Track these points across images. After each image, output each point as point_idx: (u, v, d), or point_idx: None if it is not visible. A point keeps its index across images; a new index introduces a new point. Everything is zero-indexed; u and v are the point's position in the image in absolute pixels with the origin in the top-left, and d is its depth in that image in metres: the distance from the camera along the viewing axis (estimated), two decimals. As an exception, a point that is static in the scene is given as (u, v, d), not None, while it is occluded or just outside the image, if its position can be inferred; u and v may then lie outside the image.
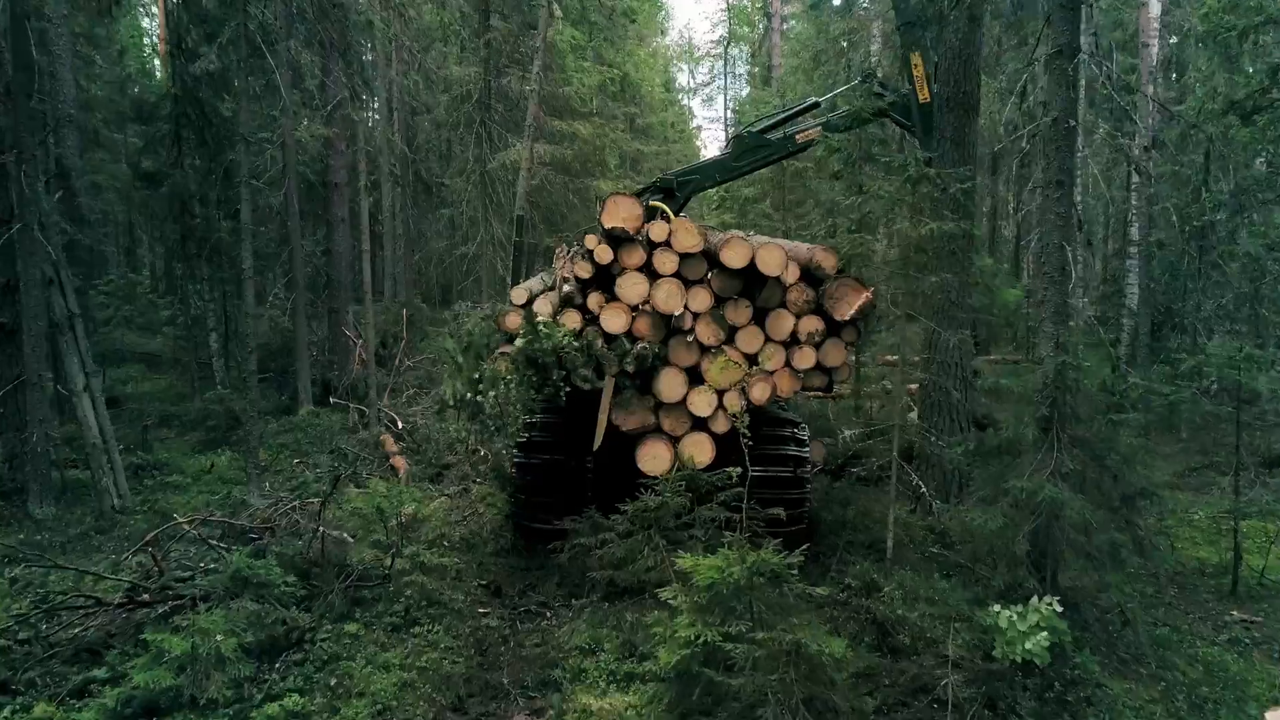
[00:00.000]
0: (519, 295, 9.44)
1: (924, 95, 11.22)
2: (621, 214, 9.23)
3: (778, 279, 9.19)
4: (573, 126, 20.78)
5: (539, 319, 8.91)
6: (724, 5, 55.15)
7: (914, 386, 13.97)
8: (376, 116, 34.81)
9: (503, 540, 10.87)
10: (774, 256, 8.91)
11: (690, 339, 9.35)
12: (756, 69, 47.43)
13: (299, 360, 18.91)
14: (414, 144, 32.89)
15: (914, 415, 12.68)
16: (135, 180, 20.04)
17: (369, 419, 17.16)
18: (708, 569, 6.35)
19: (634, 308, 9.33)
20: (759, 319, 9.47)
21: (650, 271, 9.35)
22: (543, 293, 10.30)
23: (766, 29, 43.01)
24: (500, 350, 9.31)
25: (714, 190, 27.90)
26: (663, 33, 60.62)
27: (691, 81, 67.73)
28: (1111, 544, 8.00)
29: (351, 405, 17.80)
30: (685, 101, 65.54)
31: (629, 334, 9.31)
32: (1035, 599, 7.35)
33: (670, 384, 9.37)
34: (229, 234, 19.77)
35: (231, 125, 18.42)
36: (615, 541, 8.34)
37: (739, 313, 9.38)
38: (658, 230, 9.32)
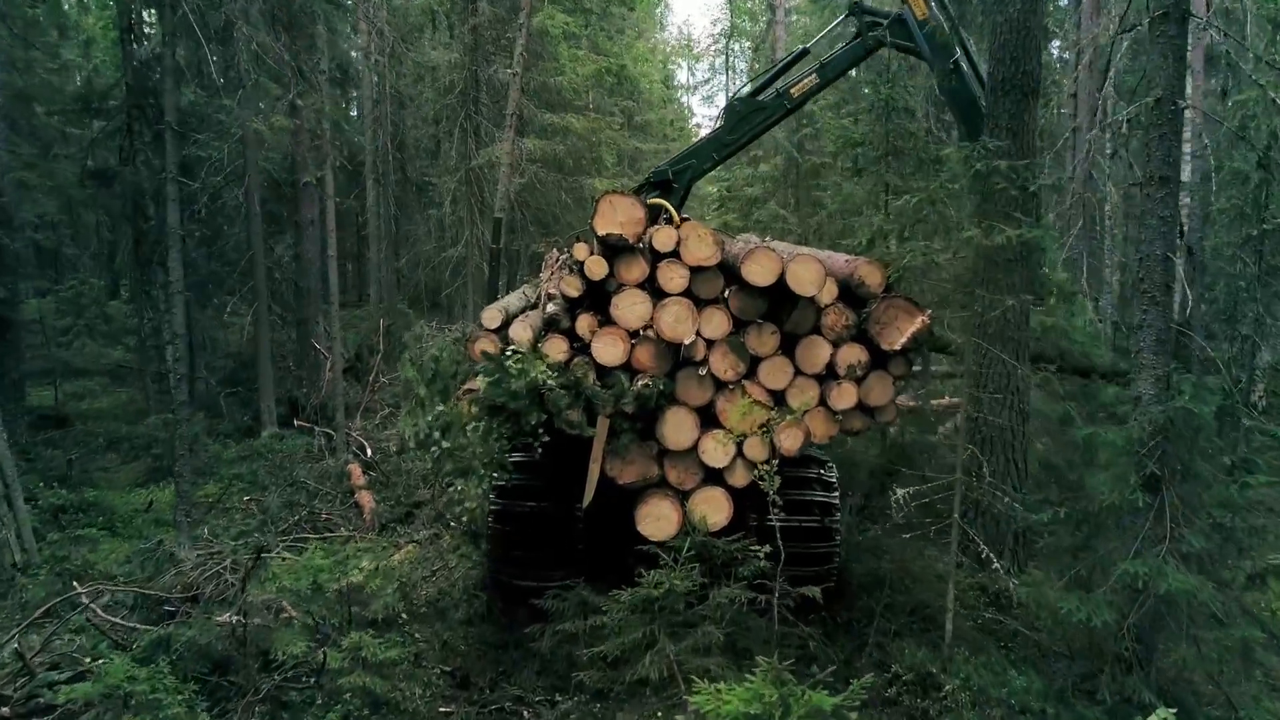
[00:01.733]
0: (491, 317, 7.65)
1: (920, 9, 10.19)
2: (619, 217, 7.45)
3: (811, 299, 7.41)
4: (565, 120, 18.99)
5: (512, 350, 7.12)
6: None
7: (944, 400, 12.28)
8: (356, 111, 33.26)
9: (476, 604, 9.08)
10: (809, 272, 7.12)
11: (703, 372, 7.57)
12: (758, 64, 45.68)
13: (261, 377, 17.11)
14: (400, 139, 31.09)
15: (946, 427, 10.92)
16: (84, 179, 18.24)
17: (336, 444, 15.39)
18: (731, 709, 4.58)
19: (634, 333, 7.55)
20: (787, 347, 7.69)
21: (654, 289, 7.57)
22: (523, 312, 8.52)
23: (770, 22, 41.20)
24: (466, 387, 7.53)
25: (714, 189, 26.13)
26: (661, 28, 58.88)
27: (691, 79, 65.98)
28: (1244, 643, 6.24)
29: (318, 429, 16.00)
30: (684, 99, 63.85)
31: (627, 366, 7.53)
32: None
33: (678, 427, 7.59)
34: (189, 236, 18.07)
35: (190, 118, 16.74)
36: (608, 635, 6.56)
37: (763, 340, 7.59)
38: (663, 237, 7.54)
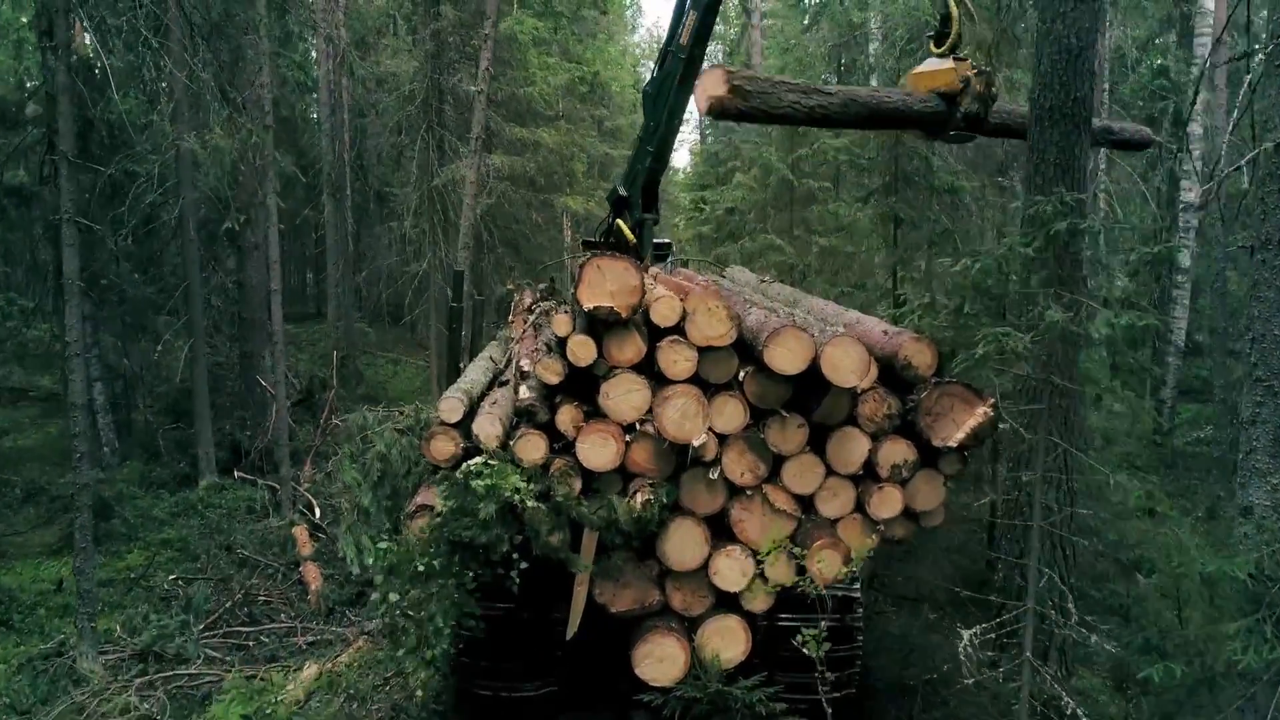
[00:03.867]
0: (451, 409, 6.13)
1: None
2: (609, 285, 5.97)
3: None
4: (535, 134, 17.48)
5: (476, 465, 5.63)
6: None
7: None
8: (316, 113, 31.37)
9: (437, 722, 7.64)
10: (849, 359, 5.70)
11: (714, 475, 6.12)
12: (732, 67, 44.21)
13: (199, 420, 15.39)
14: (360, 149, 29.32)
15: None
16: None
17: (281, 499, 13.77)
18: None
19: (628, 427, 6.09)
20: (816, 441, 6.27)
21: (653, 371, 6.12)
22: (490, 388, 7.04)
23: (745, 26, 39.94)
24: (419, 502, 6.02)
25: (685, 200, 24.77)
26: (631, 30, 57.41)
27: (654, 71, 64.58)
28: None
29: (261, 482, 14.34)
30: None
31: (620, 468, 6.07)
32: None
33: (684, 543, 6.14)
34: (121, 258, 16.36)
35: (119, 131, 15.03)
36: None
37: (788, 435, 6.16)
38: (665, 310, 6.08)
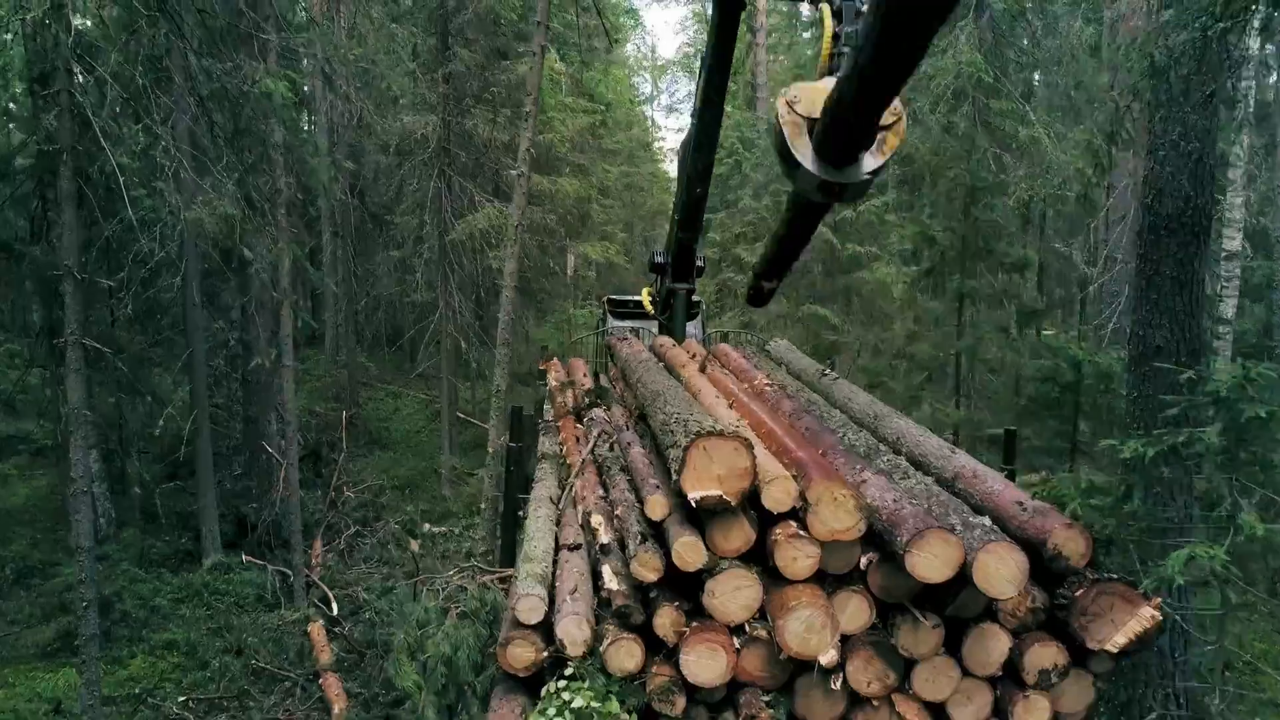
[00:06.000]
0: (530, 610, 5.27)
1: None
2: (716, 469, 5.15)
3: (993, 582, 5.18)
4: (557, 184, 16.62)
5: (566, 680, 4.80)
6: (692, 14, 51.25)
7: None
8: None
9: None
10: (1007, 568, 4.88)
11: (836, 684, 5.30)
12: (735, 87, 43.43)
13: (202, 495, 14.47)
14: (359, 170, 28.38)
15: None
16: (-9, 251, 15.40)
17: (293, 585, 12.87)
18: None
19: (737, 628, 5.26)
20: (951, 639, 5.45)
21: (765, 564, 5.30)
22: (558, 553, 6.20)
23: (750, 44, 39.15)
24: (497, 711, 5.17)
25: (715, 255, 24.06)
26: (626, 42, 56.62)
27: (654, 89, 63.91)
28: None
29: (270, 567, 13.42)
30: (647, 112, 61.76)
31: (732, 681, 5.24)
32: None
33: (800, 761, 5.32)
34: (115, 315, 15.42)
35: (115, 185, 14.07)
36: None
37: (921, 637, 5.33)
38: (777, 494, 5.26)
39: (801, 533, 5.18)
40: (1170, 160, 7.46)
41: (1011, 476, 7.00)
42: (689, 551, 5.08)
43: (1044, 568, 5.51)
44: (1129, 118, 7.50)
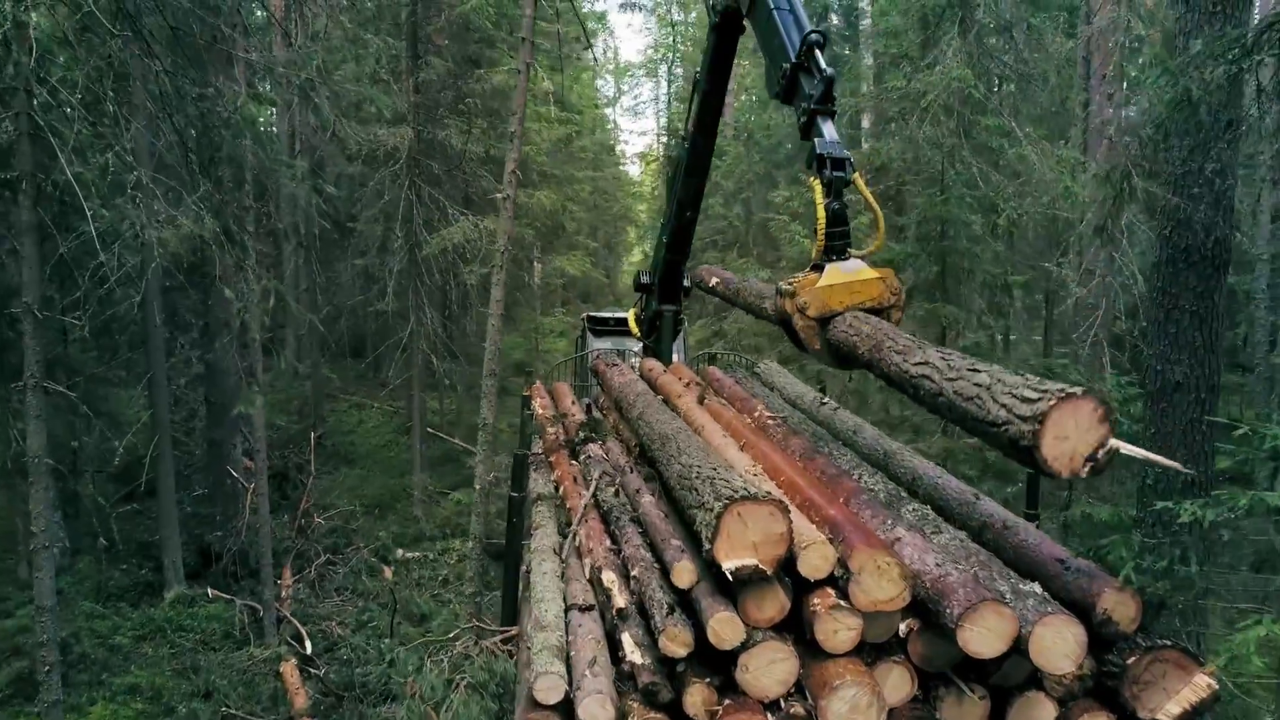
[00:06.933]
0: (549, 690, 4.85)
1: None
2: (751, 535, 4.79)
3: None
4: (534, 196, 16.17)
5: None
6: (656, 19, 50.95)
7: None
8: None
9: None
10: (1065, 642, 4.57)
11: (876, 762, 4.96)
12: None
13: (164, 520, 13.79)
14: (321, 175, 27.62)
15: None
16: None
17: (263, 620, 12.28)
18: None
19: (771, 704, 4.90)
20: (994, 706, 5.14)
21: (797, 628, 4.95)
22: (568, 614, 5.80)
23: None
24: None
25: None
26: (588, 46, 56.27)
27: (616, 91, 63.59)
28: None
29: (238, 600, 12.80)
30: (610, 114, 61.48)
31: (765, 761, 4.87)
32: None
33: (838, 844, 4.96)
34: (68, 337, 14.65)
35: (68, 196, 13.36)
36: None
37: (966, 710, 5.01)
38: (814, 560, 4.90)
39: (842, 603, 4.83)
40: (1191, 192, 7.27)
41: (1035, 521, 6.71)
42: (726, 628, 4.70)
43: (1090, 631, 5.25)
44: (1152, 148, 7.31)
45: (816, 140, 6.19)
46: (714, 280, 7.16)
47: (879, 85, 15.45)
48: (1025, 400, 4.52)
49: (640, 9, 43.29)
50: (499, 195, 10.05)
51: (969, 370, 4.87)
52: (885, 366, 5.34)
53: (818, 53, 6.67)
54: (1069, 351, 12.99)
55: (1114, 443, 4.57)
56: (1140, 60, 15.61)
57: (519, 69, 9.67)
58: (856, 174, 6.31)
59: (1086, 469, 4.50)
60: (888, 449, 7.91)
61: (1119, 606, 5.06)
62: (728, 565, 4.71)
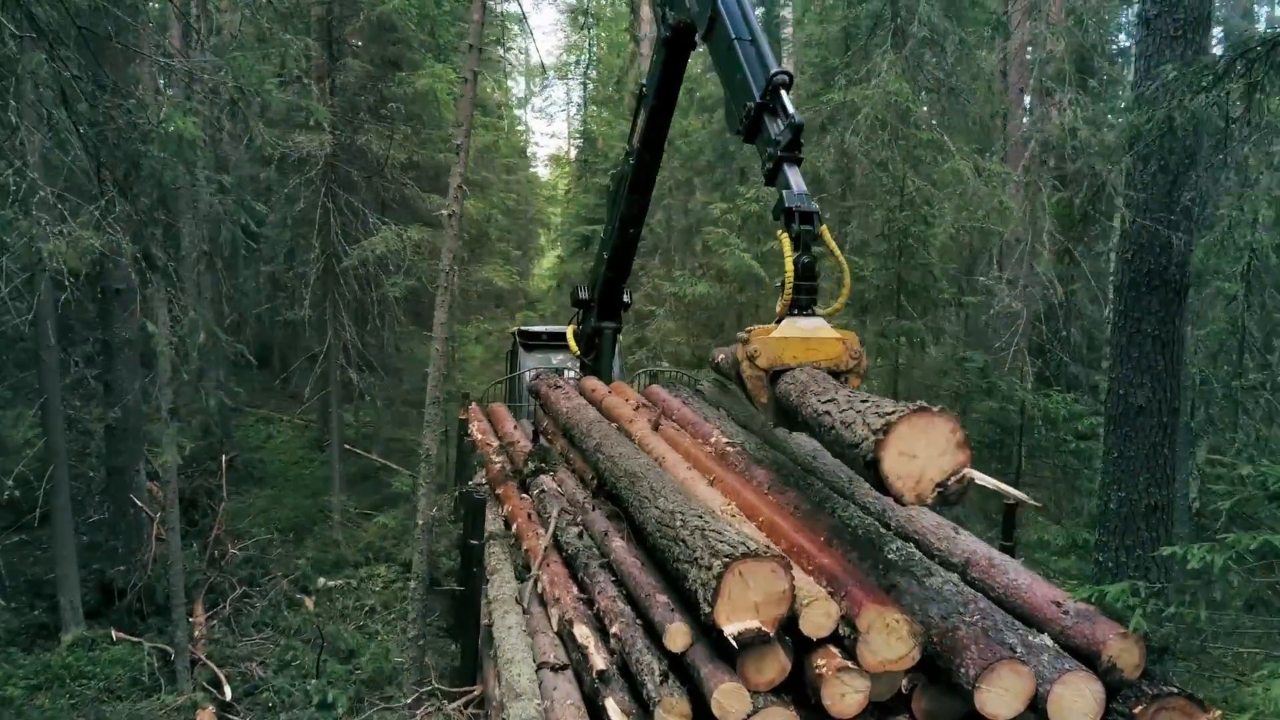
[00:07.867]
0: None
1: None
2: (753, 596, 4.45)
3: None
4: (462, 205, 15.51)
5: None
6: (569, 18, 50.38)
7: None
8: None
9: None
10: (1083, 700, 4.41)
11: (882, 828, 4.68)
12: (620, 95, 42.78)
13: (60, 556, 12.65)
14: (225, 172, 26.23)
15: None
16: None
17: (174, 664, 11.35)
18: None
19: (772, 773, 4.56)
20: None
21: (797, 688, 4.64)
22: (540, 671, 5.34)
23: (635, 54, 38.66)
24: None
25: (646, 283, 23.48)
26: (499, 43, 55.33)
27: (527, 92, 62.81)
28: None
29: (147, 644, 11.82)
30: (520, 114, 60.64)
31: (768, 838, 4.53)
32: None
33: None
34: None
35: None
36: None
37: (972, 767, 4.79)
38: (817, 618, 4.61)
39: (850, 664, 4.54)
40: (1147, 211, 7.27)
41: (1012, 553, 6.57)
42: (732, 700, 4.34)
43: (1100, 677, 5.08)
44: (1115, 175, 7.28)
45: (785, 193, 5.96)
46: (720, 356, 6.88)
47: (811, 98, 15.39)
48: (881, 414, 4.34)
49: (552, 4, 42.59)
50: (444, 213, 9.45)
51: (860, 401, 4.71)
52: (804, 410, 5.16)
53: (784, 94, 6.40)
54: (989, 359, 13.12)
55: (969, 472, 4.39)
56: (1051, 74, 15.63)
57: (465, 77, 9.10)
58: (824, 226, 6.12)
59: (934, 495, 4.30)
60: (851, 475, 7.68)
61: (1124, 653, 4.90)
62: (730, 630, 4.36)
